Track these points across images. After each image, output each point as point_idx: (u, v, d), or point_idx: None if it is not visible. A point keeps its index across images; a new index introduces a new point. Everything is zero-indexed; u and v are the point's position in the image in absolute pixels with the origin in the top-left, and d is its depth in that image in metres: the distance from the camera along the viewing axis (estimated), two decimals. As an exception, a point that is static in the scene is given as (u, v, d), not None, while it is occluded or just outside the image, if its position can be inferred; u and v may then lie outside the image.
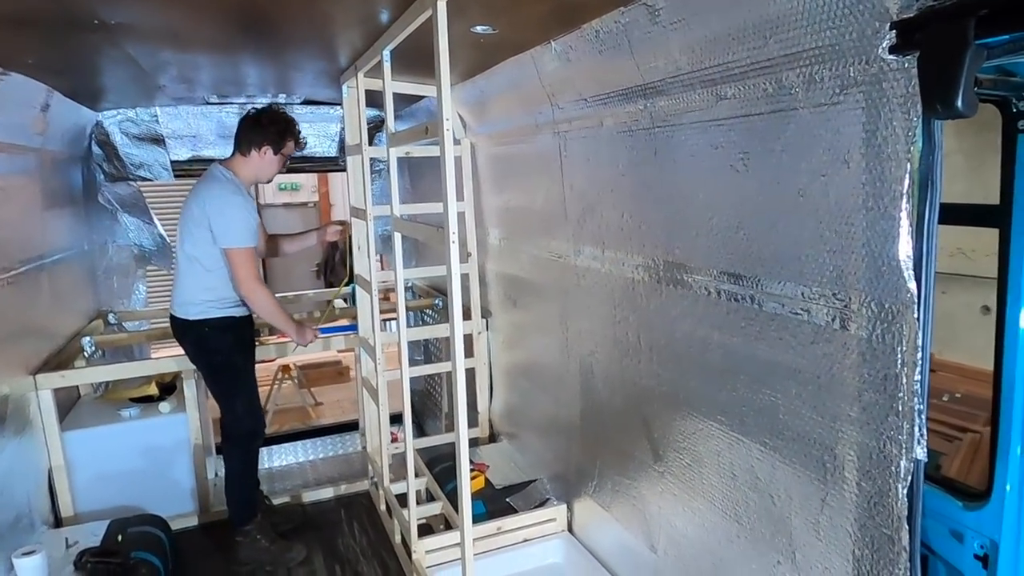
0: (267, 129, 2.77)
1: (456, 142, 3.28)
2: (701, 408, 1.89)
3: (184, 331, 2.82)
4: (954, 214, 1.31)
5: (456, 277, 1.80)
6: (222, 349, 2.80)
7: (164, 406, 3.21)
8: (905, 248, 1.22)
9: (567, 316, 2.66)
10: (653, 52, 1.78)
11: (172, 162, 3.99)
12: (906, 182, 1.18)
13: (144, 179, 3.99)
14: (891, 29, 1.15)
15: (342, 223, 3.30)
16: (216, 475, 3.71)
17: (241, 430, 2.85)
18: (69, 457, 2.94)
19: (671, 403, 2.03)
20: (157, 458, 3.13)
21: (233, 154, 2.83)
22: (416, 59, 2.22)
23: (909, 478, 1.28)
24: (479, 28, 2.07)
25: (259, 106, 2.96)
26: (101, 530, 2.68)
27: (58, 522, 2.91)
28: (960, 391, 2.85)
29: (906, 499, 1.29)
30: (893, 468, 1.31)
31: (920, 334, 1.22)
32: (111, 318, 4.02)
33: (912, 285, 1.22)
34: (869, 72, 1.23)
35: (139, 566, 2.44)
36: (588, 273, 2.44)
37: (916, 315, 1.22)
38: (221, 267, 2.72)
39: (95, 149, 3.84)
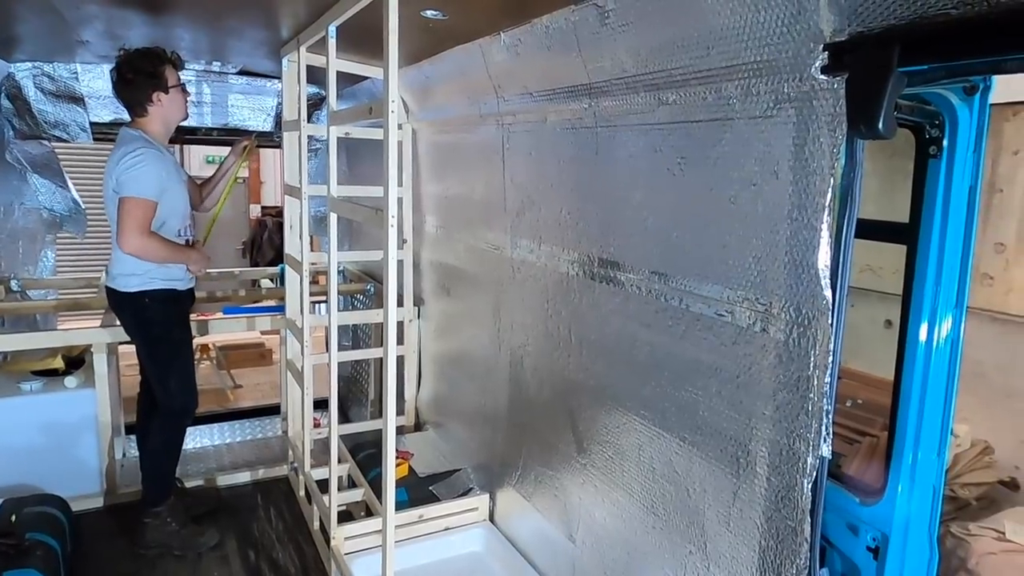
0: (139, 79, 2.57)
1: (398, 127, 3.24)
2: (626, 403, 1.95)
3: (121, 304, 2.67)
4: (869, 229, 1.40)
5: (393, 261, 1.79)
6: (161, 322, 2.69)
7: (71, 380, 3.04)
8: (824, 258, 1.29)
9: (500, 308, 2.68)
10: (600, 53, 1.81)
11: (92, 124, 3.76)
12: (828, 196, 1.26)
13: (60, 139, 3.75)
14: (824, 50, 1.22)
15: (249, 135, 3.16)
16: (124, 455, 3.55)
17: (173, 407, 2.74)
18: (-40, 431, 2.74)
19: (597, 397, 2.08)
20: (60, 435, 2.96)
21: (132, 119, 2.68)
22: (362, 38, 2.19)
23: (814, 474, 1.37)
24: (430, 13, 2.05)
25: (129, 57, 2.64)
26: (-7, 509, 2.51)
27: (-56, 500, 2.71)
28: (861, 397, 3.05)
29: (810, 493, 1.38)
30: (800, 464, 1.39)
31: (832, 339, 1.30)
32: (13, 285, 3.76)
33: (828, 293, 1.30)
34: (802, 89, 1.30)
35: (34, 547, 2.31)
36: (524, 266, 2.47)
37: (830, 321, 1.30)
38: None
39: (4, 103, 3.57)
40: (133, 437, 3.73)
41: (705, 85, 1.54)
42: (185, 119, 2.78)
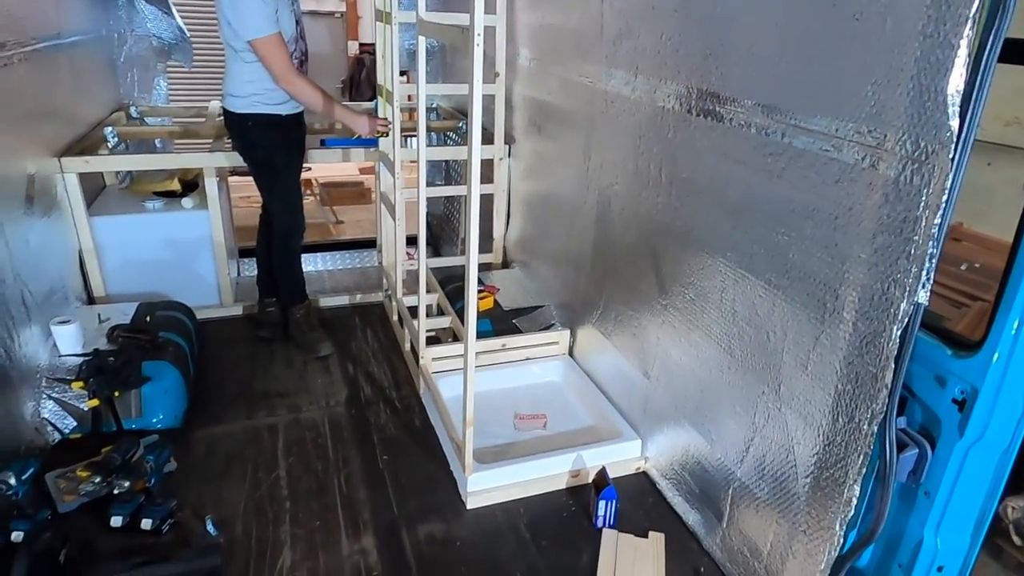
0: None
1: (493, -55, 3.00)
2: (712, 244, 1.89)
3: (230, 123, 2.82)
4: (1016, 52, 1.20)
5: (478, 86, 1.72)
6: (263, 146, 2.81)
7: (187, 202, 3.28)
8: (956, 81, 1.13)
9: (591, 146, 2.58)
10: None
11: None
12: (975, 4, 1.07)
13: (160, -38, 3.76)
14: None
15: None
16: (239, 274, 3.88)
17: (279, 226, 2.96)
18: (98, 241, 3.06)
19: (684, 239, 2.03)
20: (181, 251, 3.25)
21: None
22: None
23: (906, 320, 1.30)
24: None
25: None
26: (131, 310, 2.85)
27: (91, 300, 3.10)
28: (980, 262, 2.83)
29: (898, 340, 1.32)
30: (892, 310, 1.32)
31: (951, 176, 1.17)
32: (133, 111, 3.99)
33: (955, 123, 1.15)
34: None
35: (167, 344, 2.62)
36: (617, 100, 2.33)
37: (951, 156, 1.16)
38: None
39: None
40: (245, 259, 4.06)
41: None
42: None
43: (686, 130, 1.96)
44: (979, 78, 1.12)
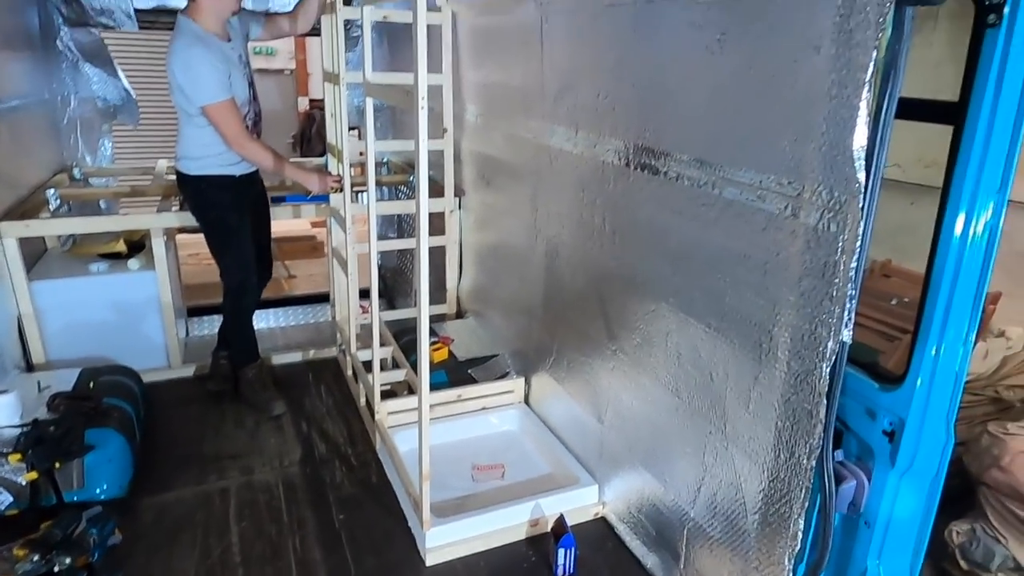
0: None
1: (437, 8, 3.13)
2: (656, 290, 1.96)
3: (183, 185, 2.85)
4: (913, 109, 1.32)
5: (423, 145, 1.79)
6: (217, 206, 2.83)
7: (133, 263, 3.23)
8: (860, 138, 1.24)
9: (537, 198, 2.67)
10: (642, -82, 1.70)
11: (136, 11, 3.76)
12: (870, 71, 1.19)
13: (106, 26, 3.78)
14: (877, -95, 1.11)
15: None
16: (187, 334, 3.80)
17: (230, 284, 2.95)
18: (38, 306, 2.98)
19: (629, 285, 2.10)
20: (127, 313, 3.18)
21: (186, 5, 2.64)
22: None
23: (833, 358, 1.38)
24: None
25: None
26: (73, 377, 2.76)
27: (30, 368, 2.99)
28: (908, 296, 2.99)
29: (828, 377, 1.39)
30: (821, 349, 1.40)
31: (862, 224, 1.27)
32: (76, 173, 3.93)
33: (862, 176, 1.25)
34: (851, -48, 1.20)
35: (111, 410, 2.55)
36: (561, 154, 2.43)
37: (861, 205, 1.26)
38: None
39: (52, -11, 3.60)
40: (194, 319, 3.99)
41: (750, -49, 1.44)
42: (236, 12, 2.69)
43: (626, 182, 2.05)
44: (879, 135, 1.23)
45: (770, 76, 1.44)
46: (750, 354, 1.61)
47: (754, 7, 1.46)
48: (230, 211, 2.85)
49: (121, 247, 3.31)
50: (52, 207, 3.23)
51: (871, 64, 1.18)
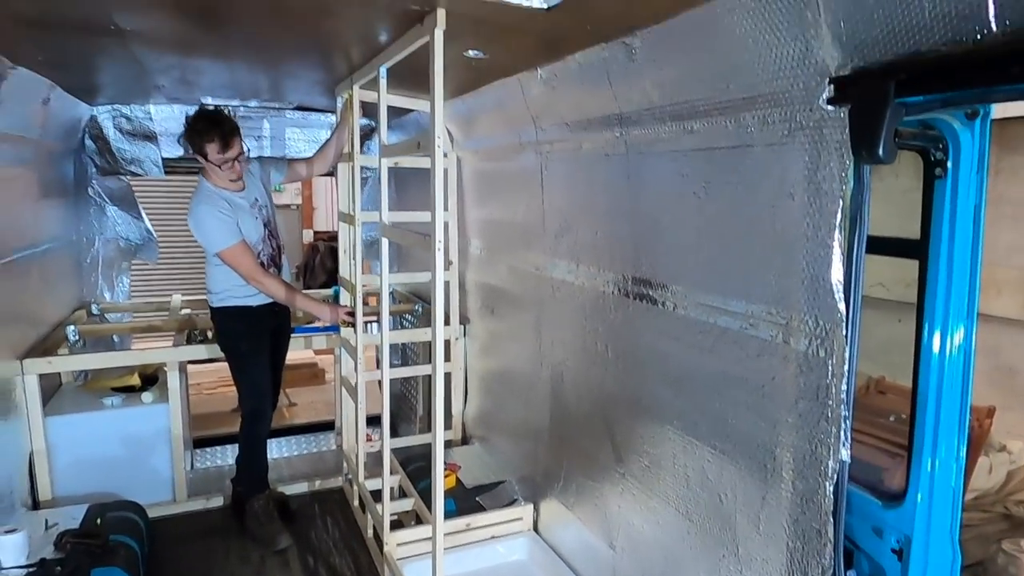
0: (189, 139, 2.76)
1: (444, 155, 3.42)
2: (660, 414, 2.05)
3: (211, 316, 3.09)
4: (882, 246, 1.48)
5: (440, 283, 1.94)
6: (233, 334, 3.03)
7: (147, 396, 3.29)
8: (837, 273, 1.39)
9: (541, 326, 2.81)
10: (629, 86, 1.95)
11: (163, 159, 4.08)
12: (839, 216, 1.36)
13: (135, 174, 4.08)
14: (829, 83, 1.33)
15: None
16: (192, 467, 3.79)
17: (245, 410, 3.09)
18: (50, 441, 3.01)
19: (633, 409, 2.19)
20: (137, 447, 3.21)
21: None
22: (409, 75, 2.37)
23: (835, 477, 1.45)
24: (471, 52, 2.23)
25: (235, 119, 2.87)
26: (80, 513, 2.75)
27: (36, 505, 2.97)
28: (905, 412, 3.06)
29: (832, 496, 1.46)
30: (823, 468, 1.47)
31: (847, 349, 1.39)
32: (94, 308, 4.08)
33: (842, 306, 1.39)
34: (812, 118, 1.41)
35: (118, 548, 2.52)
36: (563, 286, 2.60)
37: (845, 333, 1.39)
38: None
39: (88, 142, 3.92)
40: (199, 450, 4.00)
41: (726, 115, 1.66)
42: (237, 185, 2.90)
43: (625, 311, 2.19)
44: (853, 270, 1.38)
45: (753, 218, 1.62)
46: (756, 475, 1.67)
47: (733, 160, 1.67)
48: (245, 339, 3.02)
49: (135, 380, 3.39)
50: (71, 342, 3.34)
51: (839, 210, 1.36)
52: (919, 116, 1.27)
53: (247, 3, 1.76)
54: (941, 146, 1.33)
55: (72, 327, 3.39)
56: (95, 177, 4.02)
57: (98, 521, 2.68)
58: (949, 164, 1.32)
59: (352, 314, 3.11)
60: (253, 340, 3.02)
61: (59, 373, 3.54)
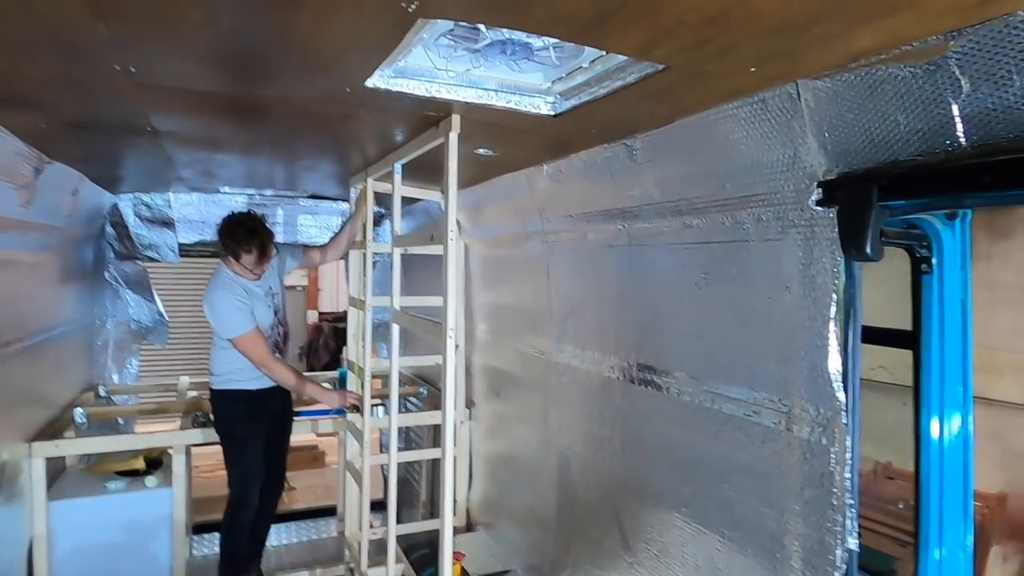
0: (224, 242, 2.86)
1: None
2: (667, 500, 2.06)
3: (210, 398, 3.08)
4: (879, 336, 1.55)
5: (451, 368, 2.00)
6: (229, 417, 3.02)
7: (151, 480, 3.27)
8: (834, 363, 1.45)
9: (548, 410, 2.84)
10: (631, 182, 2.08)
11: (180, 244, 4.22)
12: (833, 308, 1.43)
13: (151, 259, 4.20)
14: (818, 187, 1.43)
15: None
16: (191, 554, 3.71)
17: (232, 494, 3.03)
18: (52, 527, 2.97)
19: (641, 496, 2.19)
20: (138, 533, 3.16)
21: None
22: (421, 168, 2.51)
23: (844, 567, 1.46)
24: (481, 150, 2.37)
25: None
26: (77, 604, 2.69)
27: (30, 595, 2.91)
28: (912, 499, 3.04)
29: (842, 586, 1.46)
30: (830, 557, 1.48)
31: (849, 437, 1.43)
32: (101, 391, 4.10)
33: (841, 395, 1.44)
34: (804, 217, 1.51)
35: (114, 641, 2.46)
36: (568, 370, 2.65)
37: (845, 421, 1.44)
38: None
39: (108, 229, 4.07)
40: (197, 536, 3.92)
41: (723, 212, 1.77)
42: (256, 273, 2.97)
43: (631, 397, 2.24)
44: (849, 359, 1.44)
45: (752, 309, 1.70)
46: (766, 564, 1.67)
47: (731, 253, 1.76)
48: (241, 424, 3.02)
49: (140, 464, 3.38)
50: (78, 423, 3.35)
51: (832, 303, 1.43)
52: (903, 216, 1.37)
53: (277, 107, 1.91)
54: (926, 244, 1.42)
55: (80, 409, 3.41)
56: (112, 261, 4.14)
57: (95, 612, 2.62)
58: (934, 261, 1.41)
59: (359, 399, 3.14)
60: (250, 425, 3.03)
61: (64, 456, 3.53)
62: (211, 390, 3.05)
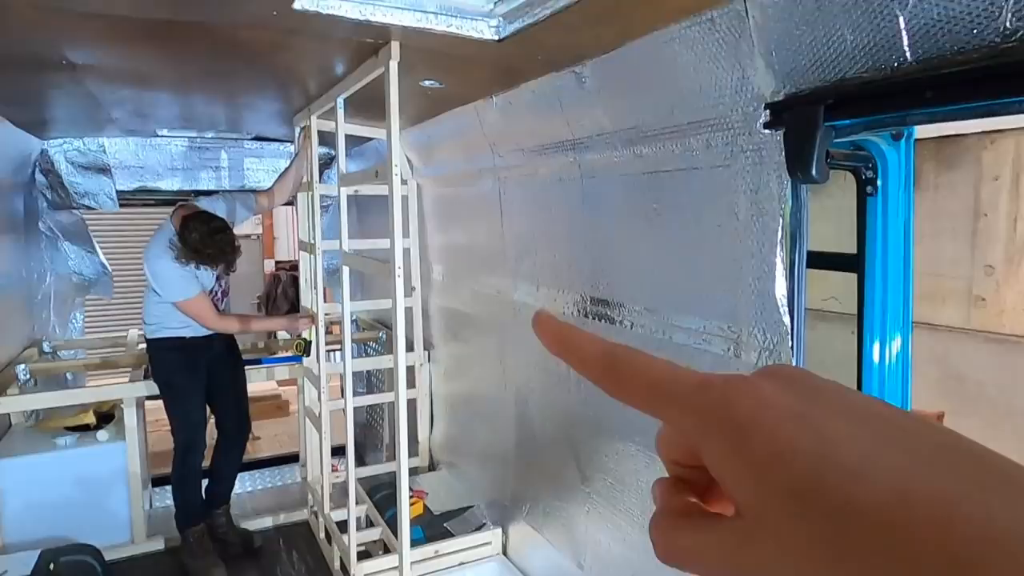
0: (187, 254, 2.77)
1: (403, 182, 3.46)
2: (621, 431, 2.08)
3: (146, 348, 3.07)
4: (824, 260, 1.56)
5: (401, 309, 1.96)
6: (165, 365, 3.00)
7: (102, 434, 3.21)
8: (781, 288, 1.45)
9: (505, 349, 2.83)
10: (580, 112, 2.02)
11: (118, 192, 4.02)
12: (779, 233, 1.43)
13: (88, 208, 4.00)
14: (765, 108, 1.40)
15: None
16: (151, 506, 3.69)
17: (177, 441, 3.03)
18: (1, 487, 2.90)
19: (596, 428, 2.22)
20: (92, 488, 3.11)
21: (172, 215, 2.94)
22: (367, 104, 2.41)
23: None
24: (427, 82, 2.27)
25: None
26: (32, 560, 2.65)
27: (-16, 553, 2.86)
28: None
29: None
30: (776, 477, 1.52)
31: (794, 361, 1.45)
32: (45, 347, 3.96)
33: (787, 319, 1.45)
34: (752, 142, 1.48)
35: (73, 594, 2.44)
36: (524, 308, 2.63)
37: (791, 345, 1.45)
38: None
39: (39, 177, 3.84)
40: (159, 489, 3.89)
41: (672, 139, 1.73)
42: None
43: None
44: (796, 284, 1.45)
45: (702, 237, 1.68)
46: (715, 486, 1.71)
47: (681, 182, 1.74)
48: (177, 371, 3.00)
49: (90, 419, 3.30)
50: (21, 381, 3.24)
51: (779, 228, 1.42)
52: (849, 138, 1.35)
53: (202, 38, 1.78)
54: (871, 165, 1.41)
55: (22, 366, 3.29)
56: (46, 212, 3.93)
57: (51, 567, 2.59)
58: (879, 182, 1.40)
59: (312, 318, 3.12)
60: (185, 372, 3.00)
61: (8, 414, 3.42)
62: (147, 340, 3.00)
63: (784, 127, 1.34)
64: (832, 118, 1.26)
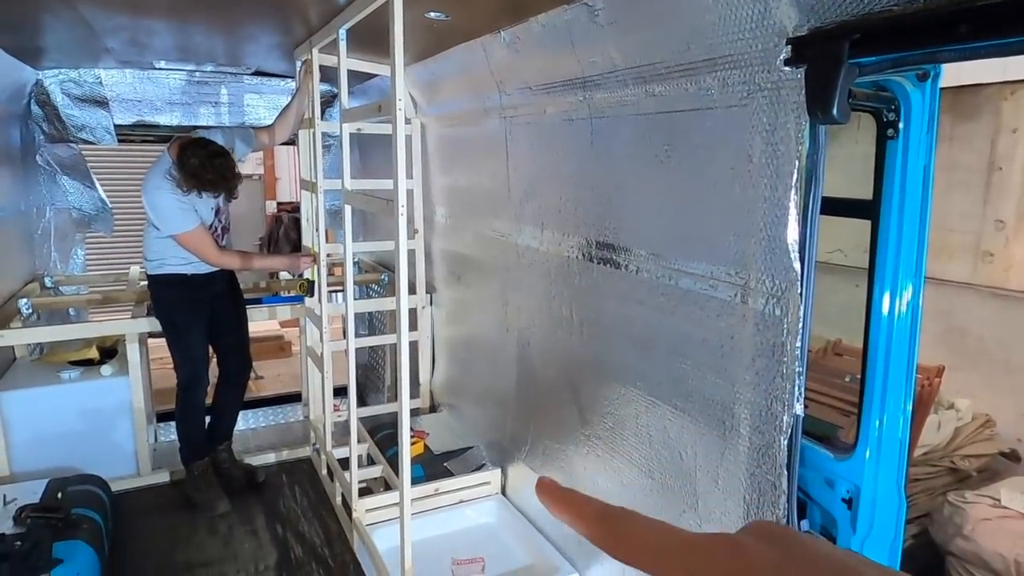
0: (186, 179, 2.70)
1: (407, 121, 3.37)
2: (623, 375, 2.08)
3: (148, 284, 3.05)
4: (837, 207, 1.52)
5: (403, 249, 1.93)
6: (167, 302, 2.99)
7: (106, 369, 3.23)
8: (792, 233, 1.42)
9: (507, 292, 2.82)
10: (591, 48, 1.94)
11: (116, 126, 3.94)
12: (794, 176, 1.38)
13: (86, 142, 3.93)
14: (787, 44, 1.34)
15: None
16: (156, 440, 3.75)
17: (179, 378, 3.06)
18: (6, 417, 2.94)
19: (598, 372, 2.22)
20: (97, 421, 3.15)
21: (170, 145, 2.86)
22: (370, 38, 2.32)
23: (789, 431, 1.50)
24: (433, 14, 2.18)
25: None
26: (40, 488, 2.70)
27: (-7, 481, 2.92)
28: (859, 373, 3.18)
29: (786, 449, 1.51)
30: (777, 423, 1.52)
31: (802, 307, 1.43)
32: (47, 282, 3.96)
33: (797, 265, 1.42)
34: (770, 80, 1.42)
35: (80, 521, 2.49)
36: (528, 251, 2.60)
37: (799, 291, 1.43)
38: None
39: (35, 109, 3.76)
40: (163, 424, 3.95)
41: (687, 77, 1.66)
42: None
43: (589, 276, 2.21)
44: (808, 230, 1.41)
45: (713, 180, 1.64)
46: (715, 431, 1.72)
47: (694, 122, 1.68)
48: (179, 308, 3.00)
49: (93, 353, 3.32)
50: (23, 315, 3.24)
51: (795, 171, 1.38)
52: (872, 77, 1.29)
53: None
54: (893, 107, 1.36)
55: (25, 300, 3.29)
56: (44, 145, 3.86)
57: (59, 495, 2.64)
58: (901, 125, 1.35)
59: (313, 257, 3.10)
60: (187, 308, 3.00)
61: (12, 347, 3.44)
62: (148, 276, 2.98)
63: (806, 64, 1.28)
64: (857, 55, 1.20)
